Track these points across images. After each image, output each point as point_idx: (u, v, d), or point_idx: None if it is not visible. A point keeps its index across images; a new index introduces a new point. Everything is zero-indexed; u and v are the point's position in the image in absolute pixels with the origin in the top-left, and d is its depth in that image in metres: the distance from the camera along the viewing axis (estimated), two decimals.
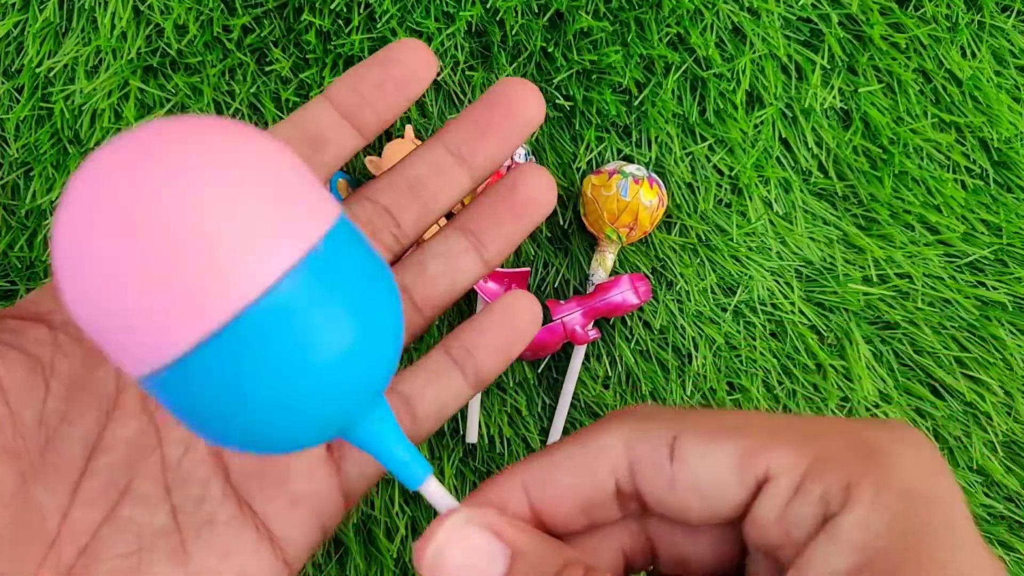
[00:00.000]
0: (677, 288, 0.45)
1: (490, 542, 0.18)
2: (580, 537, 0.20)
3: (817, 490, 0.15)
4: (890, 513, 0.14)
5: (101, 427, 0.22)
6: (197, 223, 0.16)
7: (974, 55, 0.46)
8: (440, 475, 0.43)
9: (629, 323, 0.45)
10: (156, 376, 0.17)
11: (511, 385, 0.44)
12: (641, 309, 0.44)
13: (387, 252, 0.26)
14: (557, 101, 0.45)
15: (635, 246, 0.45)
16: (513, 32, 0.44)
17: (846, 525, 0.15)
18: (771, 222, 0.45)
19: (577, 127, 0.45)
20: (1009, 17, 0.47)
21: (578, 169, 0.45)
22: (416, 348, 0.43)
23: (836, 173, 0.46)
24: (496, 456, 0.43)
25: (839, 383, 0.45)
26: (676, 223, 0.45)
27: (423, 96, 0.45)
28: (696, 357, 0.44)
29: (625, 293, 0.43)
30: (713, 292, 0.45)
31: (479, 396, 0.43)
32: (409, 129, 0.43)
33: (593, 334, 0.43)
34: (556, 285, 0.45)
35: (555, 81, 0.45)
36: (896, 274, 0.45)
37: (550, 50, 0.45)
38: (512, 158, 0.41)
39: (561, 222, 0.45)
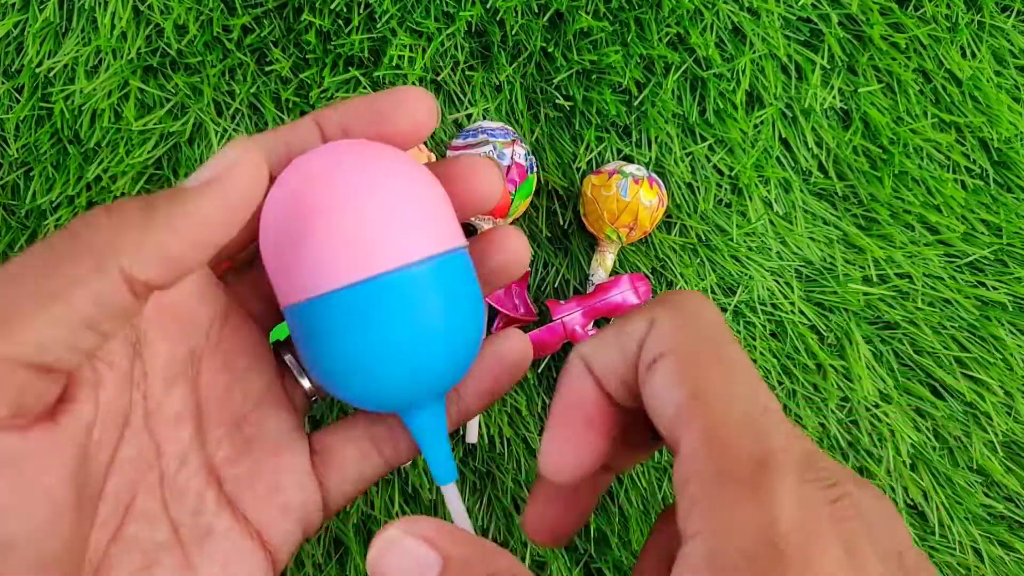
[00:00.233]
0: (677, 288, 0.45)
1: (424, 550, 0.20)
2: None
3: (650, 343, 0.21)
4: (682, 327, 0.20)
5: (114, 450, 0.22)
6: (376, 205, 0.22)
7: (974, 55, 0.46)
8: None
9: None
10: (311, 302, 0.22)
11: None
12: None
13: None
14: (557, 101, 0.45)
15: (635, 246, 0.45)
16: (513, 32, 0.44)
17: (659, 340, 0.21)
18: (771, 222, 0.45)
19: (577, 127, 0.45)
20: (1009, 17, 0.47)
21: (578, 169, 0.45)
22: None
23: (836, 173, 0.46)
24: (496, 456, 0.43)
25: (839, 383, 0.45)
26: (676, 223, 0.45)
27: None
28: None
29: (625, 293, 0.43)
30: (713, 292, 0.45)
31: None
32: None
33: (593, 334, 0.43)
34: (556, 285, 0.45)
35: (555, 81, 0.45)
36: (896, 274, 0.45)
37: (550, 50, 0.45)
38: (513, 158, 0.41)
39: (561, 222, 0.45)
